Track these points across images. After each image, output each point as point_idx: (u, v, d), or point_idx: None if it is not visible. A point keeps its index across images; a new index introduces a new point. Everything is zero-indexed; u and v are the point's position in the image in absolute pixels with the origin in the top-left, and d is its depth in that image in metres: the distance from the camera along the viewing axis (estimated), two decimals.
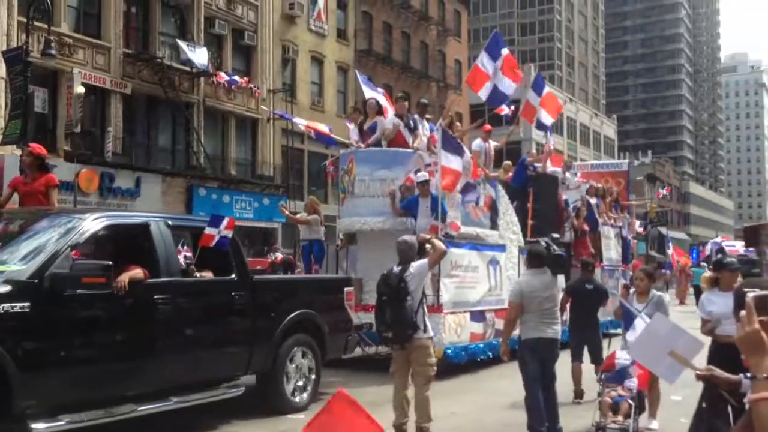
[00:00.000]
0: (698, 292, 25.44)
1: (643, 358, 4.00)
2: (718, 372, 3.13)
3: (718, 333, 5.85)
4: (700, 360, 5.38)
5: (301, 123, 13.89)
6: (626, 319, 6.92)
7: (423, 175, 10.50)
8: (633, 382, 6.70)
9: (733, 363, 4.82)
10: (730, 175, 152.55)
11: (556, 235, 13.57)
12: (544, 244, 7.01)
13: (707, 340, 5.83)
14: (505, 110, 13.74)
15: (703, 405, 5.06)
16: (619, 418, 6.50)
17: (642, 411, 6.85)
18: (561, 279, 8.28)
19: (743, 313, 2.01)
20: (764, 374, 1.93)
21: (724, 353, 5.49)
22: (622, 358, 6.73)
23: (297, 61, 32.86)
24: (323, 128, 14.05)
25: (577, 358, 8.64)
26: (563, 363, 7.43)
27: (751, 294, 2.06)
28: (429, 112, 12.65)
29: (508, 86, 12.13)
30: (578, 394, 8.61)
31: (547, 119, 14.16)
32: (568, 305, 8.73)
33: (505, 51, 12.25)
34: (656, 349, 3.50)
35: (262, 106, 24.65)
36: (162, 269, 6.38)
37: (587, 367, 8.66)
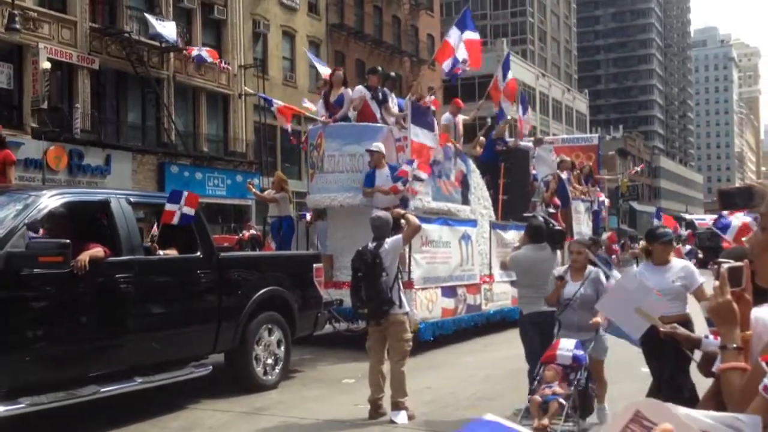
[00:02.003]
0: None
1: (611, 313, 4.16)
2: (681, 330, 3.33)
3: (635, 337, 5.18)
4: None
5: (277, 104, 13.42)
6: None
7: (377, 145, 10.35)
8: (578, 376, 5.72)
9: (667, 346, 4.81)
10: (700, 149, 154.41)
11: (552, 210, 13.64)
12: (541, 218, 7.06)
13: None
14: (460, 70, 13.39)
15: (666, 359, 5.18)
16: (545, 420, 5.46)
17: (588, 412, 6.03)
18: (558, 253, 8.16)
19: (716, 283, 2.04)
20: (734, 344, 1.94)
21: (658, 344, 5.04)
22: (565, 348, 5.76)
23: (268, 36, 32.42)
24: (299, 110, 13.83)
25: None
26: None
27: (726, 265, 2.08)
28: (403, 86, 12.53)
29: (465, 57, 11.94)
30: None
31: (507, 108, 14.13)
32: None
33: (474, 34, 12.10)
34: (624, 304, 3.61)
35: (247, 88, 24.26)
36: (124, 247, 6.24)
37: None
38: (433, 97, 12.29)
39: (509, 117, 14.87)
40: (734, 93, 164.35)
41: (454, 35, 11.74)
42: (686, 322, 5.09)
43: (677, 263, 5.79)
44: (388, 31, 41.11)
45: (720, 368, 1.94)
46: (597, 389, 6.20)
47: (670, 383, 5.27)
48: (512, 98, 14.62)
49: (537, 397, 5.60)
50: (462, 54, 11.66)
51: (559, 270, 6.27)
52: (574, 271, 6.21)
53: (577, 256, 6.23)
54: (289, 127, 13.68)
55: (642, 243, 6.03)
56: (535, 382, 5.80)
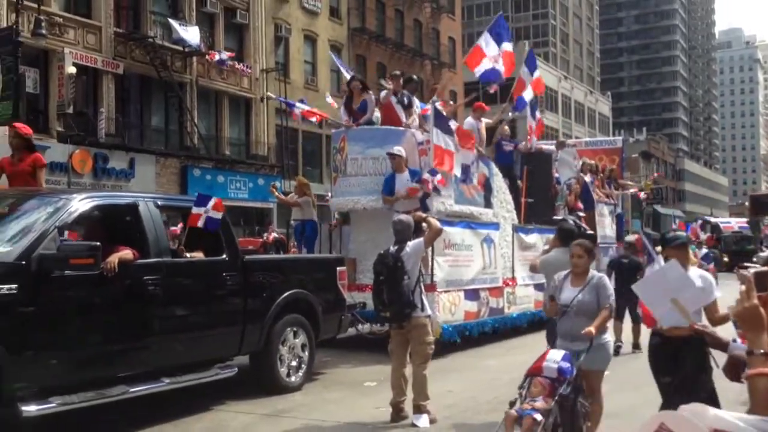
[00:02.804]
0: None
1: (645, 296, 4.09)
2: (711, 329, 3.37)
3: (664, 325, 5.00)
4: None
5: (301, 108, 13.15)
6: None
7: (398, 149, 10.37)
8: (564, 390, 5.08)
9: (678, 361, 4.69)
10: (725, 151, 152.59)
11: (581, 214, 13.61)
12: (572, 222, 7.00)
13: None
14: (493, 89, 13.64)
15: (689, 358, 5.04)
16: None
17: None
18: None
19: (742, 287, 2.03)
20: (761, 350, 1.93)
21: (670, 349, 5.00)
22: (552, 359, 5.17)
23: (290, 40, 32.61)
24: (323, 113, 13.78)
25: (619, 317, 10.16)
26: None
27: (751, 269, 2.08)
28: (425, 90, 12.65)
29: (502, 71, 12.30)
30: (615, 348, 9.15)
31: (528, 95, 14.10)
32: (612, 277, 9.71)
33: (508, 46, 12.35)
34: (662, 291, 3.61)
35: (269, 93, 24.49)
36: (151, 250, 6.33)
37: (627, 326, 10.71)
38: (451, 102, 12.38)
39: (519, 112, 14.79)
40: (760, 95, 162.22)
41: (490, 43, 11.80)
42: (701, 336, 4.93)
43: (695, 272, 5.25)
44: (410, 35, 41.15)
45: (748, 374, 1.94)
46: (590, 408, 5.48)
47: (688, 382, 5.17)
48: (540, 92, 14.65)
49: (513, 412, 5.05)
50: (500, 66, 11.79)
51: (560, 274, 5.82)
52: (574, 275, 5.76)
53: (578, 260, 5.72)
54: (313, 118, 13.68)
55: (658, 248, 5.63)
56: (519, 397, 5.20)
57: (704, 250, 21.19)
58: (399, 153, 10.29)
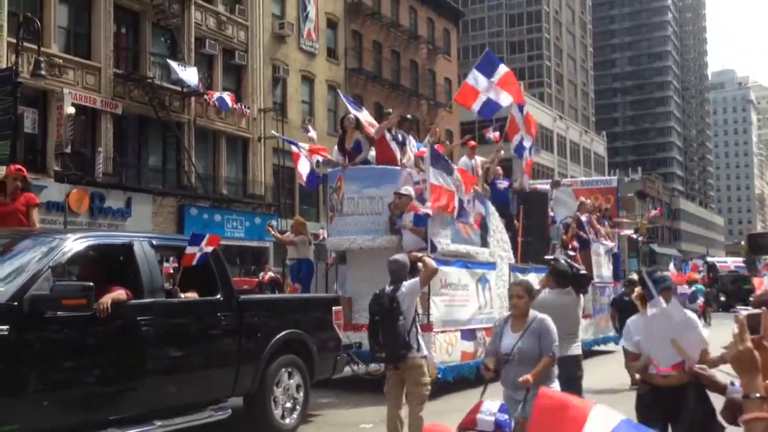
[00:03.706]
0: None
1: (645, 335, 4.01)
2: (710, 372, 3.41)
3: (653, 372, 4.74)
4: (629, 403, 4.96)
5: (303, 148, 12.85)
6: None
7: (407, 189, 10.43)
8: None
9: (670, 411, 4.51)
10: (720, 191, 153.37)
11: (572, 253, 13.59)
12: (564, 262, 6.91)
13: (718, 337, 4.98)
14: (489, 134, 13.73)
15: (692, 400, 4.91)
16: None
17: None
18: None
19: (735, 330, 2.00)
20: (757, 393, 1.91)
21: (659, 399, 4.65)
22: (487, 411, 4.46)
23: (287, 80, 32.94)
24: (324, 154, 13.54)
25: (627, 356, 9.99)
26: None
27: (744, 312, 2.05)
28: (420, 129, 12.71)
29: (504, 98, 12.18)
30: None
31: (527, 141, 14.15)
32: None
33: (504, 68, 12.33)
34: (662, 332, 3.57)
35: (273, 132, 24.65)
36: (145, 290, 6.28)
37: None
38: (447, 142, 12.41)
39: (524, 154, 14.82)
40: (753, 135, 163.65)
41: (479, 80, 11.87)
42: (695, 383, 4.55)
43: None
44: (406, 75, 41.61)
45: (744, 419, 1.92)
46: None
47: (698, 426, 5.05)
48: (533, 134, 14.64)
49: None
50: (497, 95, 11.81)
51: (500, 319, 5.44)
52: (514, 319, 5.33)
53: (518, 301, 5.29)
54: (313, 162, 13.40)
55: (638, 290, 5.36)
56: None
57: (692, 288, 21.10)
58: (407, 193, 10.33)
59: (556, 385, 5.22)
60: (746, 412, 1.91)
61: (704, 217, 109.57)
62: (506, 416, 4.52)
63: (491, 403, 4.56)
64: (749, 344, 1.94)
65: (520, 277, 12.81)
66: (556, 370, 5.31)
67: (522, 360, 5.10)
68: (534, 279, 12.83)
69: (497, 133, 13.94)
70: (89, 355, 5.88)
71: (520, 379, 4.95)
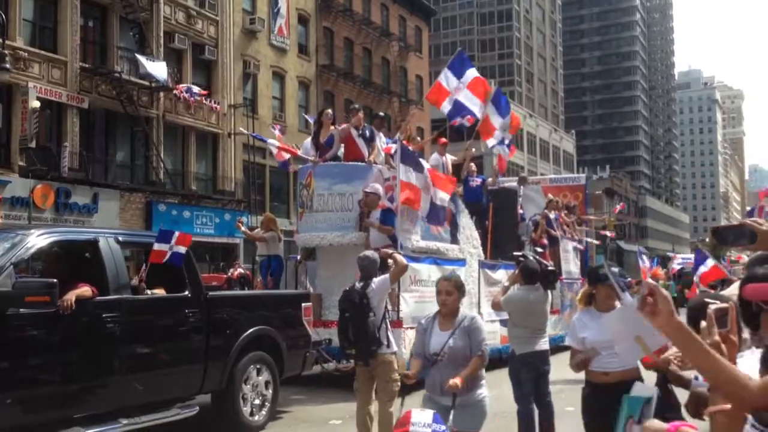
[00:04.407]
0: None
1: (613, 329, 4.01)
2: (674, 367, 3.37)
3: (594, 369, 4.59)
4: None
5: (273, 145, 12.82)
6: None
7: (373, 187, 10.43)
8: None
9: (609, 409, 4.26)
10: (686, 189, 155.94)
11: (540, 250, 13.71)
12: (533, 259, 7.03)
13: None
14: (458, 121, 13.72)
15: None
16: None
17: None
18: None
19: (704, 324, 2.03)
20: None
21: (601, 397, 4.45)
22: (420, 422, 3.85)
23: (258, 76, 32.71)
24: (294, 150, 13.50)
25: None
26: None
27: (713, 306, 2.08)
28: (392, 126, 12.72)
29: (473, 102, 12.32)
30: None
31: (504, 136, 14.25)
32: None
33: (473, 72, 12.42)
34: (625, 328, 3.61)
35: (242, 129, 24.50)
36: (111, 286, 6.19)
37: None
38: (418, 139, 12.44)
39: (499, 151, 14.92)
40: (718, 134, 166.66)
41: (450, 79, 11.92)
42: (637, 378, 4.46)
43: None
44: (378, 72, 41.60)
45: (709, 411, 1.95)
46: None
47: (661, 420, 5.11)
48: (515, 131, 14.77)
49: None
50: (465, 97, 11.87)
51: (426, 317, 5.00)
52: (442, 317, 4.90)
53: (446, 297, 4.87)
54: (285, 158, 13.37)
55: (582, 291, 4.98)
56: None
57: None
58: (375, 192, 10.32)
59: (483, 391, 4.81)
60: (711, 404, 1.94)
61: (670, 214, 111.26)
62: (443, 427, 3.99)
63: (421, 413, 4.02)
64: (717, 338, 1.98)
65: (490, 273, 12.92)
66: (484, 372, 4.93)
67: (451, 360, 4.72)
68: (502, 275, 12.98)
69: (468, 116, 13.91)
70: (53, 352, 5.78)
71: (449, 383, 4.50)
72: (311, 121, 13.64)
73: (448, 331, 4.80)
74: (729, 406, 1.90)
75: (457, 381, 4.49)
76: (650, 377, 4.53)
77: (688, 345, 1.92)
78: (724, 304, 2.12)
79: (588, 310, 4.82)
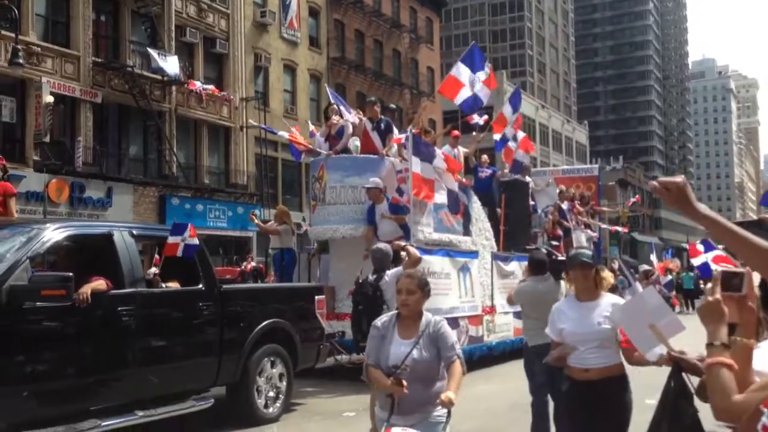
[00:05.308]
0: (687, 296, 25.51)
1: (624, 324, 3.98)
2: (688, 356, 3.34)
3: (572, 364, 4.32)
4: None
5: (284, 135, 12.99)
6: None
7: (373, 181, 10.44)
8: None
9: (590, 408, 4.24)
10: (700, 179, 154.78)
11: (555, 243, 13.70)
12: (544, 250, 7.00)
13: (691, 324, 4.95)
14: (475, 119, 13.78)
15: (671, 384, 4.91)
16: None
17: None
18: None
19: (709, 285, 2.11)
20: (718, 341, 2.01)
21: (580, 394, 4.29)
22: None
23: (269, 69, 32.73)
24: (306, 144, 13.56)
25: None
26: None
27: (720, 269, 2.17)
28: (403, 119, 12.75)
29: (484, 95, 12.33)
30: None
31: (524, 158, 14.42)
32: None
33: (487, 69, 12.41)
34: (639, 319, 3.61)
35: (252, 121, 24.62)
36: (126, 280, 6.24)
37: None
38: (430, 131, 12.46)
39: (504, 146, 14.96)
40: (733, 124, 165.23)
41: (463, 72, 11.89)
42: (620, 376, 4.33)
43: (607, 299, 4.41)
44: (389, 64, 41.51)
45: (706, 363, 2.00)
46: None
47: (671, 409, 5.07)
48: (517, 129, 14.84)
49: None
50: (480, 91, 11.89)
51: (384, 322, 4.13)
52: (402, 321, 4.03)
53: (407, 297, 3.97)
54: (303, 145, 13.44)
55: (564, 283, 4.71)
56: None
57: (669, 277, 21.18)
58: (375, 185, 10.33)
59: (440, 411, 4.04)
60: (708, 357, 2.00)
61: None
62: None
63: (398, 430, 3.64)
64: (718, 296, 2.04)
65: (503, 265, 12.90)
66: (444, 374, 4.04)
67: (415, 375, 3.86)
68: (515, 267, 12.96)
69: (485, 116, 13.97)
70: (69, 345, 5.84)
71: (441, 398, 3.76)
72: (331, 96, 13.62)
73: (411, 340, 3.93)
74: (729, 360, 1.93)
75: (449, 395, 3.75)
76: (634, 374, 4.48)
77: (712, 226, 2.14)
78: (739, 269, 2.17)
79: (568, 299, 4.55)
